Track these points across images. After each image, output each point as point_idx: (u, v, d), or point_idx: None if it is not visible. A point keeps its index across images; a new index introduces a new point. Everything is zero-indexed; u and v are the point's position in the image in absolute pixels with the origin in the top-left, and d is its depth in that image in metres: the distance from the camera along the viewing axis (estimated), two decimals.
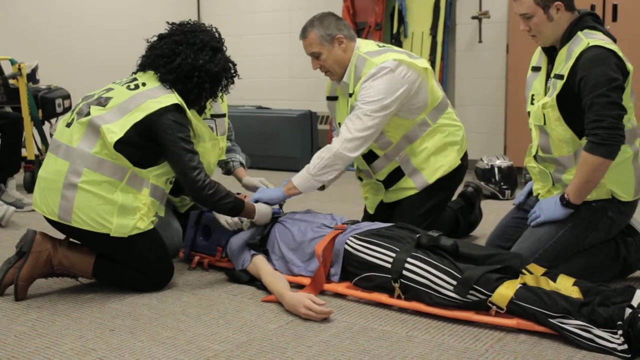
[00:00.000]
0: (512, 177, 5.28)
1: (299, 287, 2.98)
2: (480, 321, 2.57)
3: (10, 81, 5.39)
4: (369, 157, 3.57)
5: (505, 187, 5.20)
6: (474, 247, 2.91)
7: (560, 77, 2.88)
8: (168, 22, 3.20)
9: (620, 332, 2.27)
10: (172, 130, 2.92)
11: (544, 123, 2.96)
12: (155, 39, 3.16)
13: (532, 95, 3.08)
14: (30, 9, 6.80)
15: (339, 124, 3.64)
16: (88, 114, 2.95)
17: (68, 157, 2.93)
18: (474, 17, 6.17)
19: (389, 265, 2.78)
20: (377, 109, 3.30)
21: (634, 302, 2.37)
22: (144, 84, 3.03)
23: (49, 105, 5.62)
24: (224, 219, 3.31)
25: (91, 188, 2.87)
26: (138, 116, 2.91)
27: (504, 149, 6.00)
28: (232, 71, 3.23)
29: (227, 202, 3.02)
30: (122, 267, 3.02)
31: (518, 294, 2.49)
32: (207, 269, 3.35)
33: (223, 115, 3.80)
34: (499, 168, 5.24)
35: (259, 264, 3.07)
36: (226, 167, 3.86)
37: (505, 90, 6.01)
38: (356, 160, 3.66)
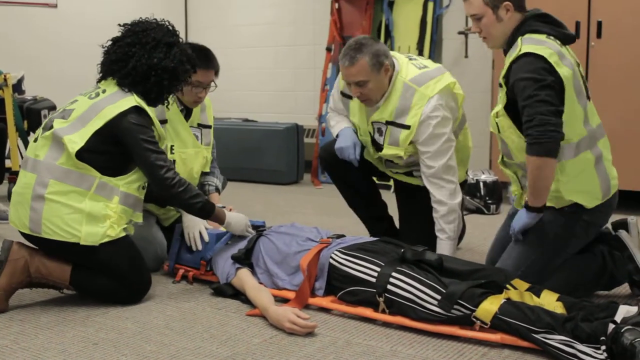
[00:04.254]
0: (497, 191, 5.29)
1: (284, 300, 2.97)
2: (464, 336, 2.58)
3: None
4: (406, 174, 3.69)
5: (490, 201, 5.21)
6: (459, 261, 2.92)
7: (500, 84, 2.92)
8: (120, 24, 3.16)
9: (603, 347, 2.28)
10: (134, 132, 2.93)
11: (499, 131, 2.98)
12: (110, 43, 3.14)
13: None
14: (15, 21, 6.78)
15: (352, 120, 3.65)
16: (51, 127, 2.96)
17: (35, 170, 2.94)
18: (460, 33, 6.20)
19: (373, 280, 2.78)
20: (453, 149, 3.39)
21: (617, 318, 2.38)
22: (104, 91, 3.04)
23: (34, 116, 5.58)
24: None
25: (58, 198, 2.88)
26: (98, 124, 2.92)
27: (489, 163, 6.01)
28: (191, 62, 3.20)
29: (198, 202, 3.04)
30: (100, 276, 3.00)
31: (502, 309, 2.50)
32: (191, 282, 3.34)
33: (209, 127, 3.84)
34: (484, 183, 5.25)
35: (244, 277, 3.06)
36: (202, 190, 3.87)
37: (490, 105, 6.03)
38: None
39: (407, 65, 3.45)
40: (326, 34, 6.96)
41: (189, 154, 3.68)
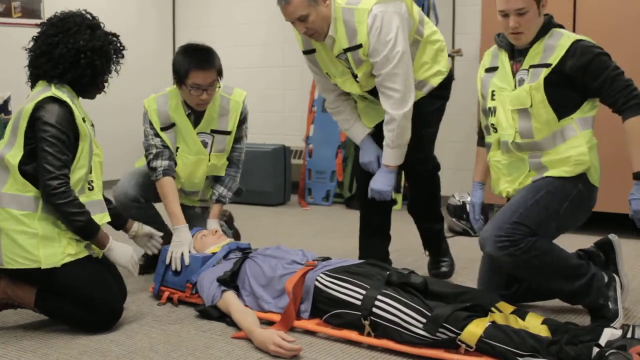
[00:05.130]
0: (484, 213, 5.28)
1: (269, 323, 2.96)
2: (449, 359, 2.57)
3: None
4: (374, 90, 3.57)
5: None
6: (444, 284, 2.93)
7: (545, 65, 2.96)
8: (37, 24, 3.09)
9: None
10: (38, 129, 2.81)
11: (531, 105, 2.99)
12: (32, 43, 3.02)
13: (493, 91, 3.14)
14: (2, 41, 6.77)
15: (327, 73, 3.65)
16: None
17: None
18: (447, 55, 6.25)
19: (359, 303, 2.78)
20: (400, 56, 3.38)
21: (602, 341, 2.40)
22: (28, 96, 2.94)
23: None
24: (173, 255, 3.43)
25: (11, 225, 2.80)
26: (23, 125, 2.83)
27: None
28: (117, 42, 3.11)
29: (78, 220, 2.83)
30: (65, 301, 2.92)
31: (487, 332, 2.50)
32: (176, 305, 3.32)
33: (226, 133, 3.80)
34: None
35: (229, 300, 3.05)
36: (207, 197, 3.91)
37: (478, 126, 6.05)
38: (358, 97, 3.73)
39: None
40: None
41: (191, 161, 3.72)
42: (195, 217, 3.92)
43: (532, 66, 3.00)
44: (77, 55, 2.91)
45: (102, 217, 3.01)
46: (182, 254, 3.39)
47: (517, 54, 3.09)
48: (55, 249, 2.83)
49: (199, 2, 8.13)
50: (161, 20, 8.12)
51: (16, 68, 6.67)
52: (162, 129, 3.71)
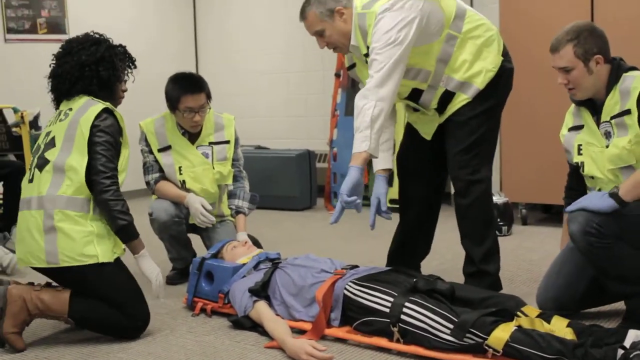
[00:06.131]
0: (508, 213, 5.33)
1: (301, 332, 3.03)
2: None
3: (13, 129, 5.47)
4: (414, 95, 3.41)
5: (501, 223, 5.25)
6: (470, 290, 2.98)
7: (625, 113, 2.90)
8: (53, 55, 3.31)
9: None
10: (94, 134, 3.04)
11: (635, 161, 2.92)
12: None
13: (579, 145, 3.08)
14: (30, 58, 6.89)
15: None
16: (48, 161, 3.07)
17: (41, 205, 3.02)
18: None
19: (387, 310, 2.84)
20: (387, 44, 3.13)
21: (626, 343, 2.43)
22: (70, 109, 3.14)
23: None
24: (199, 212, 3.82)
25: (67, 225, 2.98)
26: (85, 134, 3.03)
27: (500, 185, 6.05)
28: (123, 52, 3.28)
29: (122, 219, 3.05)
30: (99, 306, 3.05)
31: (513, 336, 2.55)
32: (210, 315, 3.41)
33: (225, 142, 4.07)
34: (496, 205, 5.27)
35: (261, 309, 3.13)
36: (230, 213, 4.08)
37: (500, 128, 6.06)
38: (404, 101, 3.51)
39: None
40: (335, 60, 7.05)
41: (197, 172, 3.97)
42: (216, 231, 4.08)
43: (612, 117, 2.94)
44: (81, 70, 3.15)
45: None
46: (202, 205, 3.85)
47: (598, 109, 3.02)
48: (108, 246, 3.05)
49: (219, 7, 8.22)
50: (183, 27, 8.21)
51: (44, 84, 6.79)
52: (160, 150, 4.00)
